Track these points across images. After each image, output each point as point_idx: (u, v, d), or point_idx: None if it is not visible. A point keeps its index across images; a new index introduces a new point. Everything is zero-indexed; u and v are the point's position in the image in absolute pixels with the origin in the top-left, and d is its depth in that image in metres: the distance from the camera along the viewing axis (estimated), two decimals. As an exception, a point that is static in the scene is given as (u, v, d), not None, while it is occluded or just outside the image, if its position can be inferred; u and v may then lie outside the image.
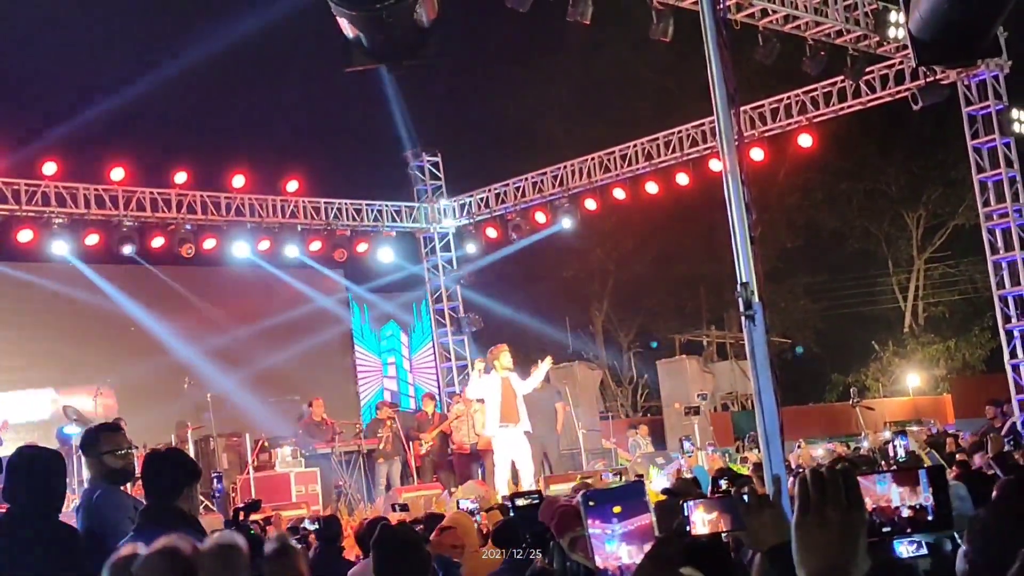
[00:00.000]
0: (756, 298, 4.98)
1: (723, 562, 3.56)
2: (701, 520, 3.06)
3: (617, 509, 1.75)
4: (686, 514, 3.12)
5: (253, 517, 6.49)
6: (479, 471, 16.79)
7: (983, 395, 19.42)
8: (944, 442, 15.72)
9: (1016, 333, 17.56)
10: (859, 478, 1.77)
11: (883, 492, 1.91)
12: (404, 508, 11.69)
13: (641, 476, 14.37)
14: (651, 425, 21.85)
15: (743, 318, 5.18)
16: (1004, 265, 17.69)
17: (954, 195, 31.45)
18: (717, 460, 16.56)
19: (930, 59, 11.09)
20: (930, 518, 1.94)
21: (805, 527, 1.71)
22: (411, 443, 17.47)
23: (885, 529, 1.96)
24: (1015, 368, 17.53)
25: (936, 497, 1.93)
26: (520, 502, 4.33)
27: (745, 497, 2.93)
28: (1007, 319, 17.68)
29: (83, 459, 5.70)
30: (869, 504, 1.85)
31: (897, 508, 1.91)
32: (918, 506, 1.90)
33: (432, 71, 24.26)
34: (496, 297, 24.92)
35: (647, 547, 1.73)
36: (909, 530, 1.95)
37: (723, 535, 3.36)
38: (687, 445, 17.42)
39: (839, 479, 1.72)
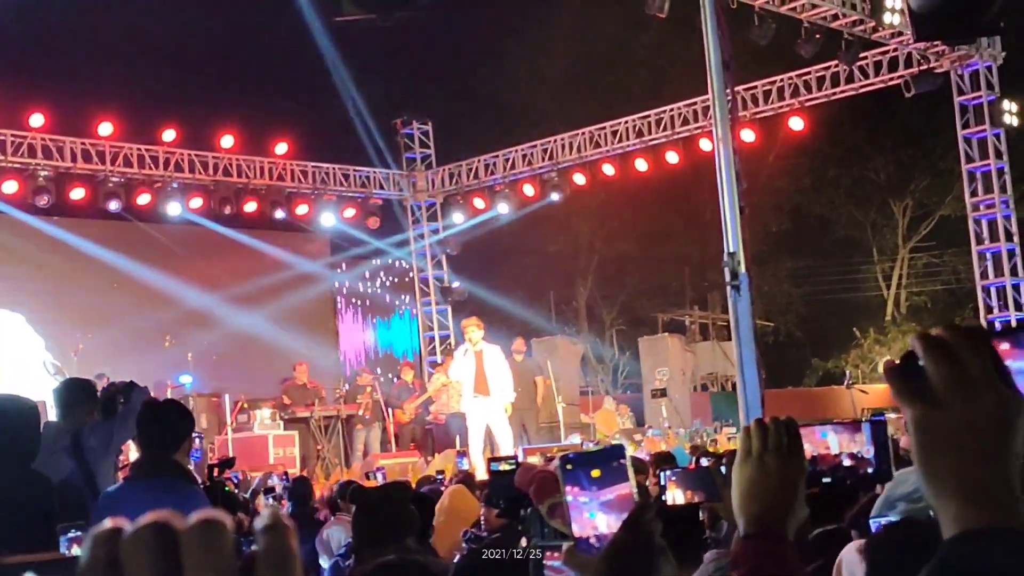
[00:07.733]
0: (743, 268, 4.90)
1: (695, 535, 3.55)
2: (677, 491, 3.06)
3: (596, 473, 1.72)
4: (662, 483, 3.11)
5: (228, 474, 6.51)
6: (458, 441, 16.80)
7: (961, 385, 19.50)
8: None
9: (998, 324, 17.63)
10: (801, 428, 1.79)
11: (823, 439, 1.91)
12: (379, 473, 11.67)
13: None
14: (630, 403, 21.84)
15: (728, 288, 5.12)
16: (988, 256, 17.77)
17: (941, 186, 31.45)
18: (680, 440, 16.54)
19: (929, 34, 10.98)
20: (871, 470, 1.95)
21: (745, 473, 1.74)
22: (391, 411, 17.47)
23: (825, 479, 1.97)
24: (994, 359, 17.62)
25: (877, 450, 1.94)
26: (502, 467, 4.30)
27: (723, 469, 2.93)
28: (989, 310, 17.78)
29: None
30: (809, 451, 1.86)
31: (838, 456, 1.91)
32: (859, 455, 1.90)
33: (423, 40, 24.15)
34: (481, 269, 24.87)
35: (625, 516, 1.71)
36: (849, 481, 1.96)
37: (700, 509, 3.36)
38: (664, 426, 17.45)
39: (781, 428, 1.75)
